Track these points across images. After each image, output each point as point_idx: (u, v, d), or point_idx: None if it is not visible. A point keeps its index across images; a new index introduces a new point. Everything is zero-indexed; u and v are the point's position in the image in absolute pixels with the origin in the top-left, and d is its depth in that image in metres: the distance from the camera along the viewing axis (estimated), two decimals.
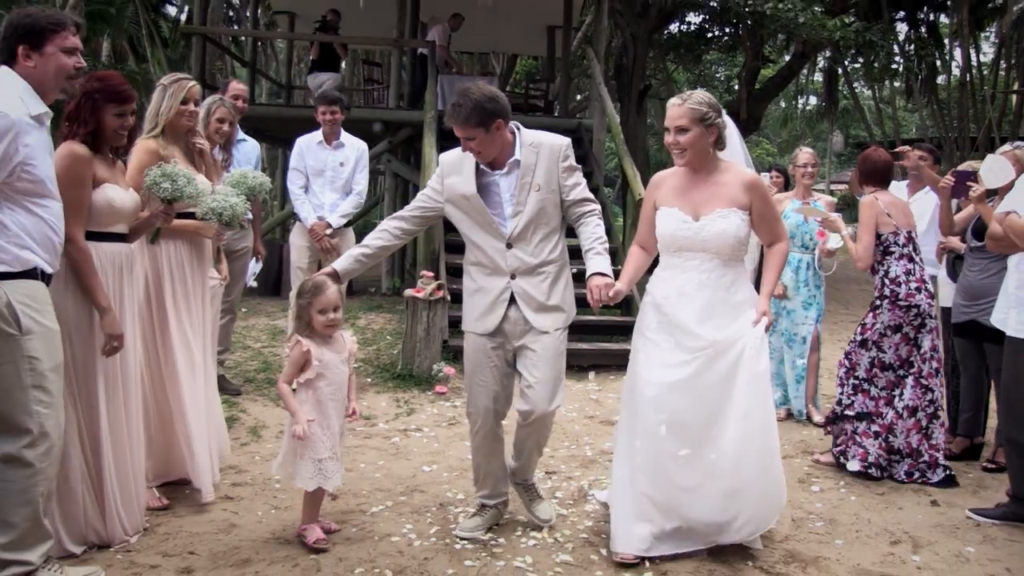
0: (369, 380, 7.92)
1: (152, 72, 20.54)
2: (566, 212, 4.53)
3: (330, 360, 4.34)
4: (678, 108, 4.41)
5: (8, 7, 17.26)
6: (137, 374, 4.45)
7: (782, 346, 7.25)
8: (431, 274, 8.46)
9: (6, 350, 3.44)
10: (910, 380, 5.71)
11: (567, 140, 4.58)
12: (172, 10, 29.96)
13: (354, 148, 7.73)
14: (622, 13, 17.40)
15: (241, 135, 7.09)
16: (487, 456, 4.63)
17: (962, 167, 6.08)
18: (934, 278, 6.78)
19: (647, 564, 4.21)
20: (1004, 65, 28.30)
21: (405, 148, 13.38)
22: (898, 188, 7.29)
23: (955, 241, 6.13)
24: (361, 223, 14.09)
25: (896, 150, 7.02)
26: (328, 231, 7.44)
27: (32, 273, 3.50)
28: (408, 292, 8.27)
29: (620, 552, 4.26)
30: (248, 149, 7.20)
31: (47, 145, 3.65)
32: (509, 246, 4.43)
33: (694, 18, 21.96)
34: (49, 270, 3.62)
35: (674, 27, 21.87)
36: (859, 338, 5.84)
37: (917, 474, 5.66)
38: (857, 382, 5.83)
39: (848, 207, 18.14)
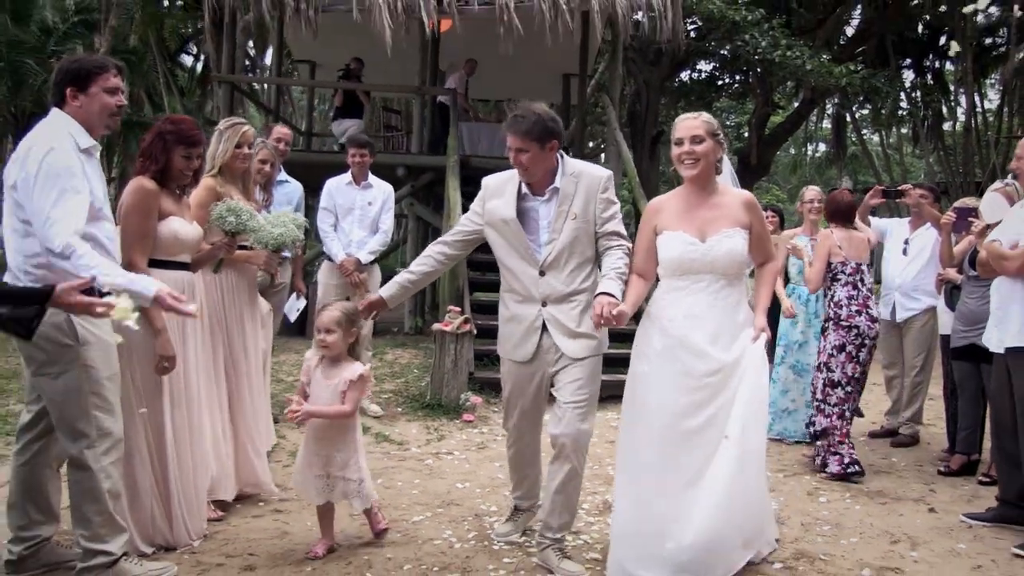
0: (400, 409, 8.34)
1: None
2: (596, 243, 4.56)
3: (317, 380, 4.57)
4: (693, 120, 4.51)
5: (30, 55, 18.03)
6: (201, 392, 4.87)
7: (791, 377, 7.66)
8: (458, 309, 8.89)
9: (65, 359, 3.84)
10: (851, 389, 6.50)
11: (608, 172, 4.65)
12: (187, 59, 30.80)
13: (381, 189, 8.17)
14: (635, 61, 17.87)
15: (284, 176, 7.55)
16: (524, 465, 4.91)
17: (959, 204, 6.52)
18: (933, 308, 7.23)
19: None
20: (1007, 111, 28.71)
21: (426, 192, 13.83)
22: (900, 224, 7.75)
23: (952, 273, 6.55)
24: (380, 266, 14.50)
25: (899, 188, 7.45)
26: (357, 267, 7.86)
27: (89, 291, 3.77)
28: (436, 326, 8.69)
29: None
30: (291, 190, 7.65)
31: (99, 174, 4.05)
32: (542, 273, 4.49)
33: (705, 66, 22.41)
34: (104, 287, 4.05)
35: (685, 75, 22.32)
36: (816, 363, 6.65)
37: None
38: (817, 403, 6.56)
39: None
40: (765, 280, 4.78)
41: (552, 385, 4.63)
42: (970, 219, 5.97)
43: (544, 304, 4.51)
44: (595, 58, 17.43)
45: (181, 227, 4.59)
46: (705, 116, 4.54)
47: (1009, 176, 6.03)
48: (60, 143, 3.82)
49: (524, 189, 4.54)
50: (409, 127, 18.96)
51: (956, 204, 6.46)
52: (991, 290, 5.31)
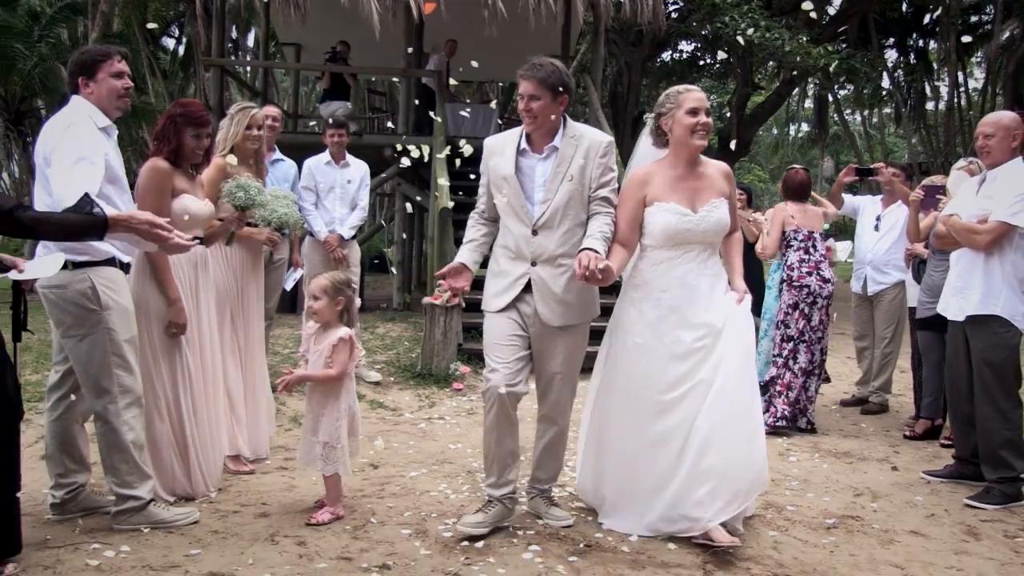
0: (392, 379, 8.69)
1: (153, 103, 21.35)
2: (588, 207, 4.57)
3: (311, 348, 4.81)
4: (701, 93, 4.68)
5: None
6: (215, 357, 5.22)
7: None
8: (447, 284, 9.20)
9: (90, 323, 4.24)
10: (803, 347, 7.03)
11: (610, 138, 4.67)
12: (169, 43, 30.92)
13: (358, 168, 8.52)
14: (617, 43, 18.16)
15: (278, 155, 7.86)
16: (499, 438, 4.62)
17: (927, 182, 6.86)
18: (903, 282, 7.61)
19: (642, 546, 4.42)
20: (991, 90, 28.97)
21: (411, 172, 14.12)
22: (872, 201, 8.12)
23: (919, 247, 6.89)
24: (365, 246, 14.79)
25: (871, 167, 7.80)
26: (339, 242, 8.21)
27: (111, 261, 4.31)
28: (426, 300, 9.03)
29: (622, 531, 4.59)
30: (286, 168, 7.96)
31: (116, 151, 4.48)
32: (535, 232, 4.49)
33: (686, 46, 22.74)
34: (125, 259, 4.44)
35: (667, 55, 22.62)
36: (775, 322, 7.22)
37: (805, 421, 7.04)
38: (773, 358, 7.17)
39: (841, 232, 18.74)
40: (735, 248, 4.90)
41: (530, 349, 4.61)
42: (938, 196, 6.30)
43: (533, 264, 4.51)
44: (577, 39, 17.70)
45: (193, 204, 4.89)
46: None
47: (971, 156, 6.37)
48: (79, 120, 4.23)
49: (523, 144, 4.56)
50: (393, 108, 19.21)
51: (924, 182, 6.78)
52: (951, 262, 5.66)
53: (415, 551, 4.22)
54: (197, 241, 4.48)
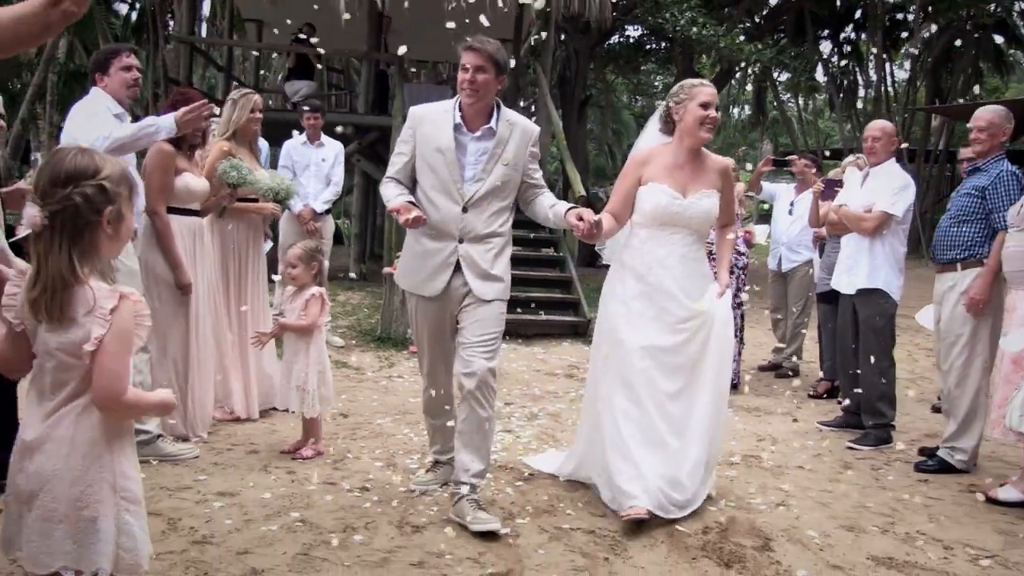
0: (354, 342, 9.52)
1: None
2: (523, 192, 4.64)
3: (288, 306, 5.62)
4: (714, 89, 4.85)
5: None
6: (205, 320, 5.92)
7: None
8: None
9: None
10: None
11: (538, 128, 4.74)
12: (123, 8, 30.98)
13: (332, 148, 9.30)
14: (566, 30, 18.95)
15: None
16: (438, 416, 4.89)
17: (828, 176, 7.82)
18: (811, 260, 8.59)
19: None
20: (914, 84, 30.29)
21: (369, 149, 14.82)
22: (787, 189, 9.08)
23: (822, 231, 7.87)
24: (336, 212, 15.42)
25: (787, 158, 8.77)
26: (313, 216, 8.90)
27: None
28: (386, 270, 9.86)
29: (631, 508, 4.44)
30: (261, 146, 8.71)
31: None
32: (464, 211, 4.46)
33: (633, 32, 23.55)
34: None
35: (614, 38, 23.38)
36: None
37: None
38: None
39: (761, 217, 19.71)
40: (727, 243, 5.14)
41: (457, 323, 4.60)
42: (835, 188, 7.23)
43: (461, 241, 4.48)
44: (529, 26, 18.44)
45: (192, 181, 5.63)
46: None
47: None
48: (97, 103, 5.09)
49: (457, 120, 4.51)
50: (350, 87, 19.79)
51: (825, 176, 7.74)
52: (842, 243, 6.61)
53: (388, 477, 5.06)
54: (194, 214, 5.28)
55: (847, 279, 6.45)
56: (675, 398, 4.70)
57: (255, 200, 6.33)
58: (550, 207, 4.57)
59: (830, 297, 7.42)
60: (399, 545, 4.06)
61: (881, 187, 6.28)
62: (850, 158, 7.71)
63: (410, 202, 4.36)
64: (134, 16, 30.36)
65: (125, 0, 30.24)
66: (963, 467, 5.64)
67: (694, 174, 4.84)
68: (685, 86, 4.87)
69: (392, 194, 4.49)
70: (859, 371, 6.36)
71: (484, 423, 4.51)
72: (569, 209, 4.42)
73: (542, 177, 4.76)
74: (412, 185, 4.61)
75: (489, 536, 4.20)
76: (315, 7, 13.15)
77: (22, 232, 7.50)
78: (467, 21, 11.24)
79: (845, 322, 6.59)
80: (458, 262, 4.48)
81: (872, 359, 6.23)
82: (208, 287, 5.95)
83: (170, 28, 17.99)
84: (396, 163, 4.64)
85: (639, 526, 4.38)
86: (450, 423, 4.69)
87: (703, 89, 4.80)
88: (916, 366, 9.69)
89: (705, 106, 4.74)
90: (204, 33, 23.01)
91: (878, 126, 6.53)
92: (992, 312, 5.52)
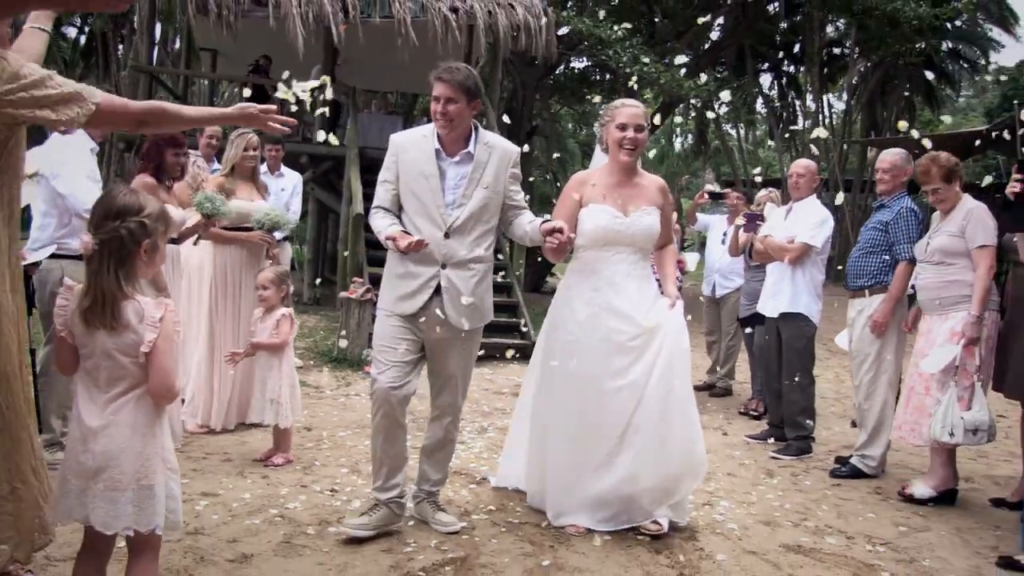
0: (312, 362, 10.00)
1: None
2: (504, 214, 4.66)
3: (259, 327, 6.09)
4: (637, 109, 4.87)
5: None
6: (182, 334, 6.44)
7: None
8: (360, 280, 10.60)
9: None
10: None
11: (518, 149, 4.76)
12: (71, 31, 31.08)
13: (292, 178, 9.80)
14: (513, 63, 19.58)
15: (216, 165, 9.10)
16: (386, 440, 4.59)
17: (750, 211, 8.45)
18: (742, 287, 9.23)
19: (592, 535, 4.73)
20: (851, 116, 31.45)
21: (323, 178, 15.31)
22: (720, 219, 9.72)
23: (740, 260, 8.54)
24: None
25: (721, 191, 9.43)
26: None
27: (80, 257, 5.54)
28: (343, 294, 10.39)
29: (568, 525, 4.78)
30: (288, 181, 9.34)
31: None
32: (447, 236, 4.47)
33: (578, 63, 24.23)
34: None
35: (559, 70, 24.01)
36: None
37: None
38: None
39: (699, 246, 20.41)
40: (668, 258, 5.20)
41: (426, 350, 4.64)
42: (757, 222, 7.86)
43: (444, 266, 4.48)
44: (478, 60, 19.03)
45: (173, 212, 5.99)
46: (643, 106, 4.95)
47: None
48: (77, 142, 5.49)
49: (436, 145, 4.53)
50: (304, 116, 20.22)
51: (746, 211, 8.36)
52: (767, 271, 7.24)
53: (354, 481, 5.56)
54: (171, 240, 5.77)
55: (772, 303, 7.07)
56: (624, 415, 4.66)
57: (250, 229, 6.81)
58: (528, 223, 4.61)
59: (751, 321, 8.08)
60: (369, 536, 4.52)
61: (803, 221, 6.94)
62: (763, 192, 8.41)
63: (402, 230, 4.42)
64: (83, 40, 30.58)
65: (74, 24, 30.41)
66: (872, 472, 6.27)
67: (633, 193, 4.90)
68: (609, 107, 4.99)
69: (384, 224, 4.50)
70: (782, 387, 6.98)
71: (449, 444, 4.87)
72: (542, 223, 4.47)
73: (523, 199, 4.77)
74: (400, 213, 4.63)
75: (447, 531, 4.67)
76: (270, 37, 13.65)
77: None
78: (416, 46, 11.74)
79: (769, 344, 7.21)
80: (439, 286, 4.49)
81: (794, 377, 6.85)
82: (184, 307, 6.42)
83: (119, 52, 18.33)
84: (382, 193, 4.64)
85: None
86: (398, 449, 4.63)
87: (622, 110, 4.87)
88: (842, 386, 10.34)
89: (623, 127, 4.81)
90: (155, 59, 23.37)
91: (803, 165, 7.23)
92: (896, 333, 6.16)
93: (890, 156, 6.34)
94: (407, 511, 4.79)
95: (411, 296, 4.51)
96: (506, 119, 14.00)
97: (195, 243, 6.70)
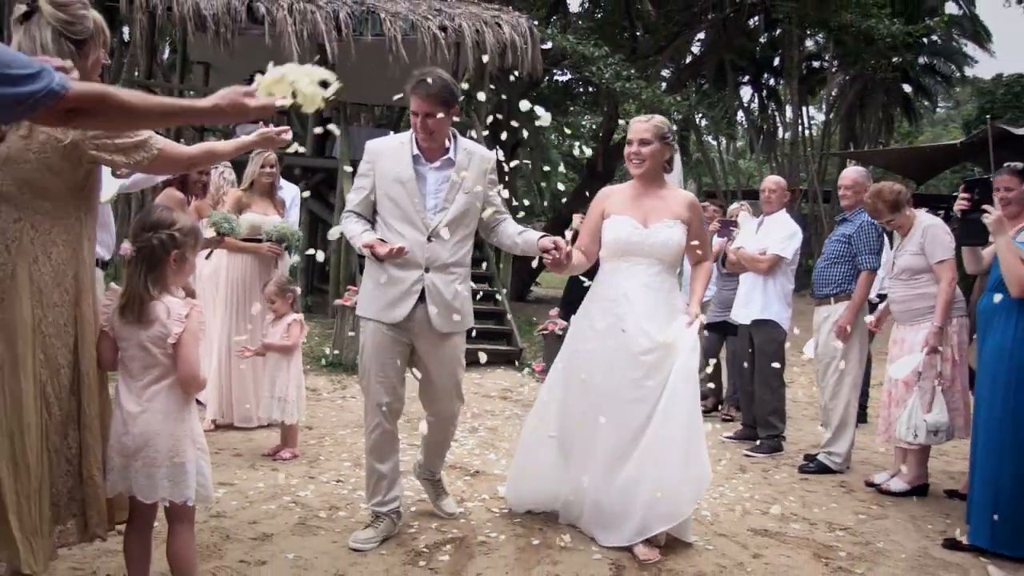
0: (308, 367, 10.40)
1: None
2: (484, 219, 4.72)
3: (269, 331, 6.55)
4: (644, 123, 4.86)
5: None
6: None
7: None
8: (355, 288, 11.05)
9: None
10: None
11: (494, 155, 4.78)
12: None
13: (290, 190, 10.13)
14: (499, 77, 20.02)
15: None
16: (381, 458, 4.70)
17: (723, 218, 8.91)
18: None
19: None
20: (829, 128, 32.13)
21: (314, 190, 15.71)
22: None
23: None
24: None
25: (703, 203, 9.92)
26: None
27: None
28: (338, 302, 10.88)
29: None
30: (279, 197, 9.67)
31: None
32: (429, 240, 4.50)
33: (561, 76, 24.70)
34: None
35: (544, 82, 24.45)
36: None
37: None
38: None
39: None
40: (700, 275, 5.13)
41: (413, 355, 4.72)
42: (731, 228, 8.34)
43: (427, 270, 4.51)
44: (464, 75, 19.48)
45: None
46: (657, 120, 4.90)
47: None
48: None
49: (415, 150, 4.57)
50: (294, 127, 20.61)
51: (720, 219, 8.82)
52: (740, 280, 7.72)
53: (358, 473, 5.96)
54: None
55: (744, 311, 7.56)
56: (630, 432, 4.66)
57: (259, 240, 7.27)
58: (518, 234, 4.69)
59: (716, 327, 8.69)
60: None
61: (773, 233, 7.44)
62: (735, 205, 8.92)
63: (379, 238, 4.44)
64: None
65: None
66: (838, 468, 6.75)
67: (656, 205, 4.87)
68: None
69: (357, 230, 4.55)
70: (754, 390, 7.47)
71: (447, 441, 5.11)
72: (541, 237, 4.54)
73: (502, 203, 4.82)
74: (372, 218, 4.67)
75: (449, 515, 5.11)
76: (264, 52, 14.04)
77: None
78: (407, 62, 12.12)
79: (743, 349, 7.69)
80: (423, 291, 4.51)
81: (765, 380, 7.34)
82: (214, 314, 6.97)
83: (111, 64, 18.62)
84: (355, 198, 4.67)
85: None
86: (393, 463, 4.76)
87: (631, 126, 4.95)
88: (814, 391, 10.77)
89: (629, 143, 4.90)
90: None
91: (774, 181, 7.74)
92: (858, 338, 6.65)
93: (852, 174, 6.87)
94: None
95: (396, 303, 4.54)
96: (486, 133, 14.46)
97: (207, 256, 7.15)
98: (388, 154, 4.60)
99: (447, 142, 4.60)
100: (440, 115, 4.41)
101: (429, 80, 4.40)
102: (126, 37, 20.45)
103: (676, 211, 4.85)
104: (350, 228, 4.60)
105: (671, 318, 4.71)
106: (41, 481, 3.16)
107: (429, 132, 4.46)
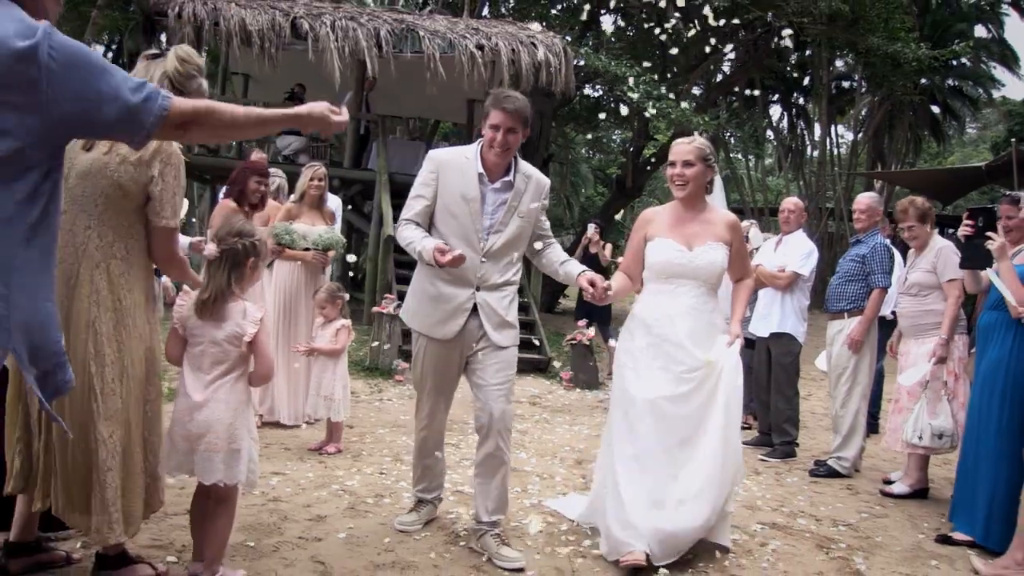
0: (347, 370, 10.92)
1: None
2: (532, 243, 4.74)
3: (319, 334, 7.09)
4: (686, 146, 4.86)
5: None
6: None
7: None
8: (392, 296, 11.55)
9: None
10: None
11: (549, 181, 4.80)
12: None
13: (333, 202, 10.68)
14: (531, 93, 20.45)
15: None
16: (428, 455, 4.99)
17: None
18: None
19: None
20: (857, 148, 32.38)
21: (351, 201, 16.20)
22: None
23: None
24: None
25: None
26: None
27: None
28: (375, 309, 11.39)
29: (628, 555, 4.52)
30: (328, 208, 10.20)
31: None
32: (483, 260, 4.52)
33: (592, 92, 25.09)
34: None
35: (576, 98, 24.84)
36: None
37: None
38: None
39: None
40: (741, 294, 5.17)
41: (467, 366, 4.71)
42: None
43: (478, 289, 4.54)
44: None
45: None
46: (699, 141, 4.92)
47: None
48: None
49: (480, 169, 4.55)
50: (329, 139, 21.16)
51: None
52: (759, 296, 8.14)
53: (399, 467, 6.46)
54: None
55: (763, 324, 8.00)
56: (680, 450, 4.69)
57: (308, 248, 7.77)
58: (560, 263, 4.77)
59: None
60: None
61: (791, 252, 7.88)
62: (746, 223, 9.37)
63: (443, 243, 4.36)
64: (110, 57, 31.40)
65: (100, 42, 31.22)
66: (846, 472, 7.18)
67: (700, 228, 4.88)
68: None
69: (417, 236, 4.47)
70: (770, 399, 7.90)
71: (502, 467, 4.68)
72: (581, 273, 4.62)
73: (548, 227, 4.87)
74: (429, 229, 4.62)
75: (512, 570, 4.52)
76: (303, 65, 14.55)
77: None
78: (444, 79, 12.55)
79: (761, 361, 8.13)
80: (475, 306, 4.55)
81: (780, 390, 7.78)
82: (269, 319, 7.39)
83: None
84: (415, 206, 4.62)
85: (636, 573, 4.56)
86: (439, 456, 5.05)
87: (672, 148, 4.95)
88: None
89: (672, 164, 4.89)
90: None
91: (792, 202, 8.19)
92: (869, 350, 7.09)
93: (866, 199, 7.32)
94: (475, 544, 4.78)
95: (447, 320, 4.58)
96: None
97: (268, 266, 7.62)
98: (455, 167, 4.58)
99: (510, 163, 4.60)
100: (519, 132, 4.44)
101: (514, 97, 4.48)
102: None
103: (719, 233, 4.89)
104: (409, 234, 4.54)
105: (712, 337, 4.78)
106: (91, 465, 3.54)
107: (506, 148, 4.44)
